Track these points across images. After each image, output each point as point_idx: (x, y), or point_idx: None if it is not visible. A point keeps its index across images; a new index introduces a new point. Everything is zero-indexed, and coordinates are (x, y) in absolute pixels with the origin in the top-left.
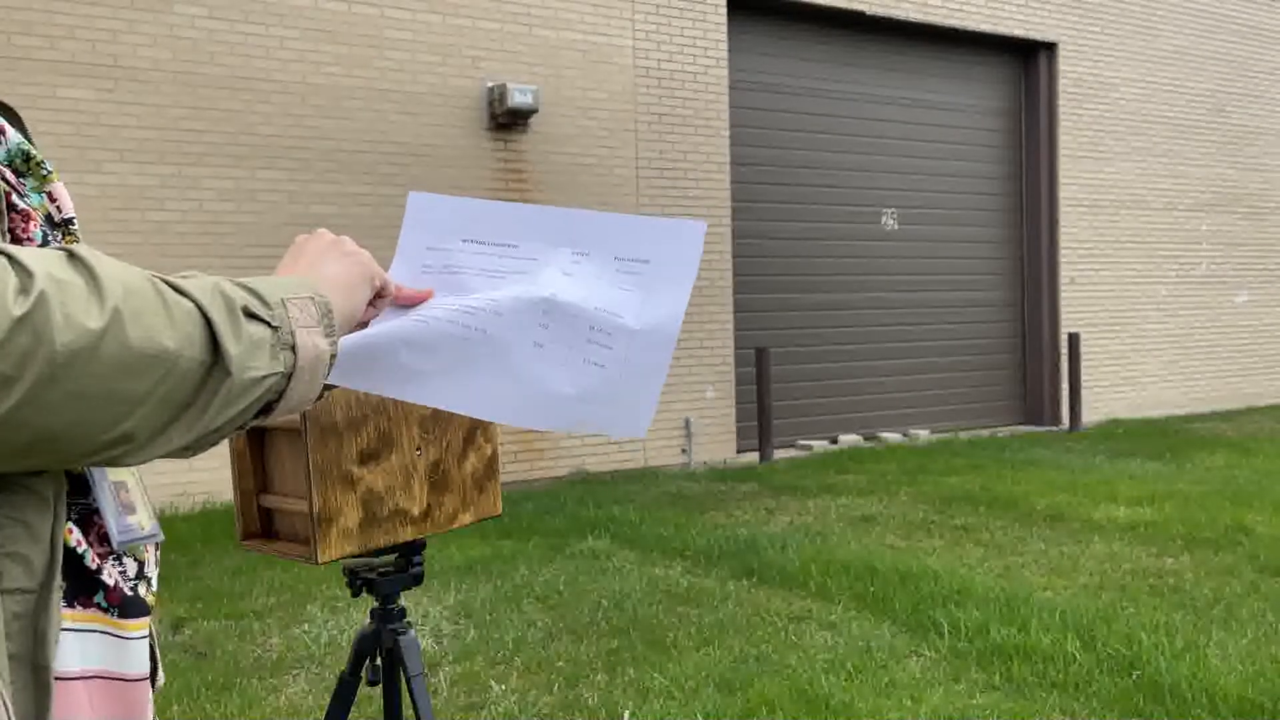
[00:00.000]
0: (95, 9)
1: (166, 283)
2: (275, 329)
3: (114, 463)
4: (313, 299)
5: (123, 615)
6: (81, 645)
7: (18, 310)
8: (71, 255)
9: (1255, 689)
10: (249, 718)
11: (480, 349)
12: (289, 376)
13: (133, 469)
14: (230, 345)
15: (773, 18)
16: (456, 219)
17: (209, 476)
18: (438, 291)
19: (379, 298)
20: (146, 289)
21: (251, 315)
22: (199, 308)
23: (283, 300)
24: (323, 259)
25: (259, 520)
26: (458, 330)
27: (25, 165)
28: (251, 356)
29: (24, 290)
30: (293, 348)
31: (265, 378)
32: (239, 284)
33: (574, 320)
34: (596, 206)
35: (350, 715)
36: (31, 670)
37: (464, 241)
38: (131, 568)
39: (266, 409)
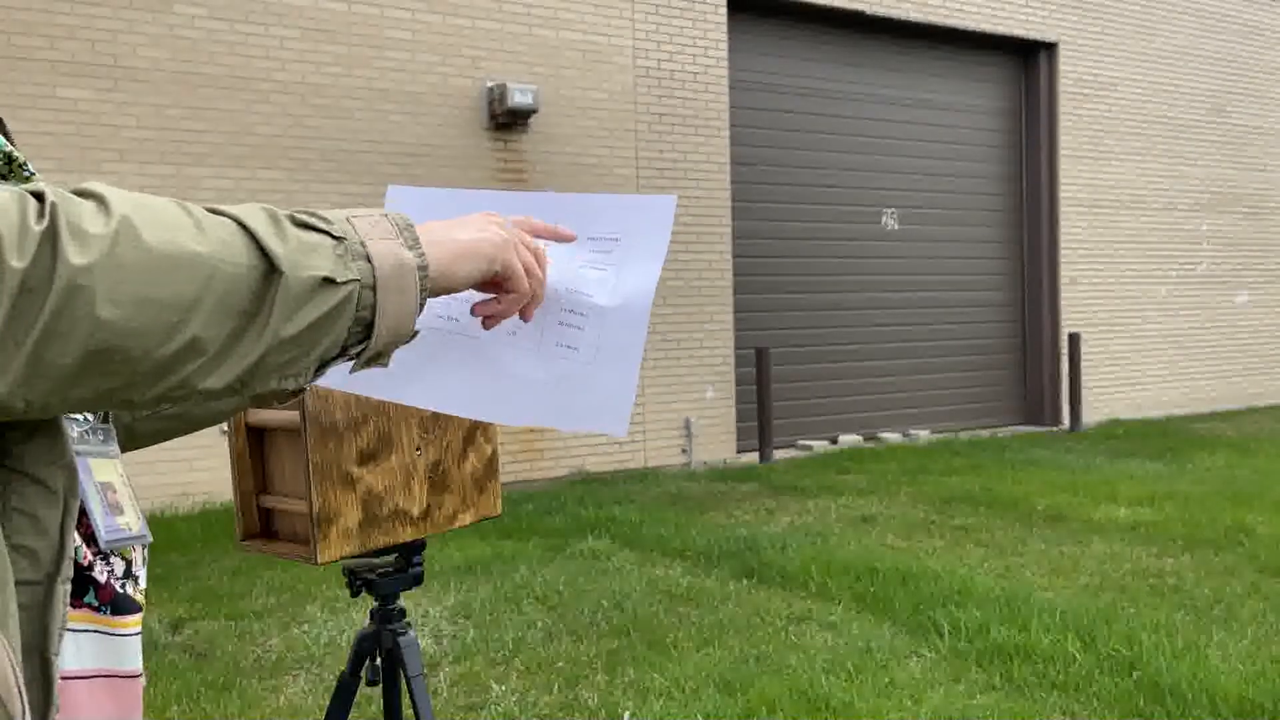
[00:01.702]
0: (95, 9)
1: (206, 208)
2: (339, 239)
3: (192, 382)
4: (385, 215)
5: (115, 612)
6: (76, 645)
7: (38, 227)
8: (84, 190)
9: (1255, 689)
10: (249, 718)
11: (456, 340)
12: (374, 289)
13: (118, 469)
14: (275, 245)
15: (773, 18)
16: (434, 210)
17: (209, 476)
18: None
19: (504, 291)
20: (166, 205)
21: (301, 224)
22: (235, 219)
23: (347, 217)
24: (462, 222)
25: (259, 520)
26: (433, 321)
27: (7, 167)
28: (305, 255)
29: (41, 213)
30: (367, 258)
31: (339, 284)
32: (294, 209)
33: (546, 304)
34: None
35: (350, 715)
36: (40, 661)
37: None
38: (119, 567)
39: (366, 331)
